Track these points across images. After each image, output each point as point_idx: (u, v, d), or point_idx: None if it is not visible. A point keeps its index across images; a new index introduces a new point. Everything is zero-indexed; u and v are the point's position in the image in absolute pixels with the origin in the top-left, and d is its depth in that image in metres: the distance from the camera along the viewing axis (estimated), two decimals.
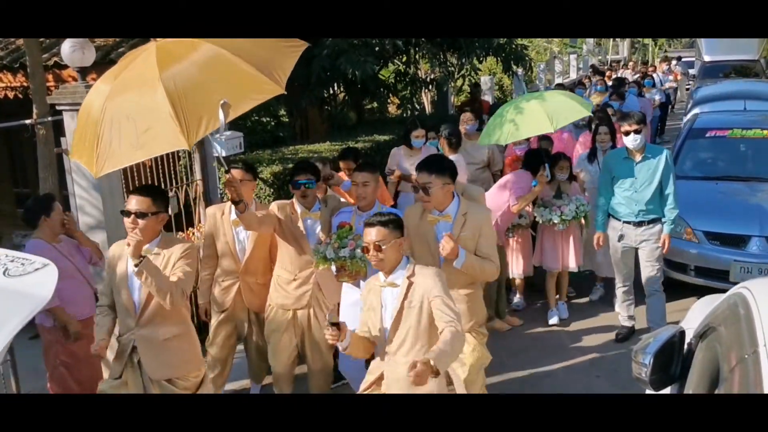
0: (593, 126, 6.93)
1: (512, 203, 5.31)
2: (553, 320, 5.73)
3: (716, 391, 2.04)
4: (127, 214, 3.28)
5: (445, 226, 3.60)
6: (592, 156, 6.07)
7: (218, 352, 4.47)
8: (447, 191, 3.60)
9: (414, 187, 3.48)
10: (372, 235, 3.01)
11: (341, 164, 5.43)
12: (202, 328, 5.03)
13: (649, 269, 5.14)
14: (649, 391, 2.64)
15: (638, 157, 5.00)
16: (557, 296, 5.87)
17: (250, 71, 3.12)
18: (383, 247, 2.99)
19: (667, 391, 2.57)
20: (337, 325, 2.92)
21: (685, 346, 2.61)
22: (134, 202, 3.27)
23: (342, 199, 4.50)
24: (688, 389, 2.41)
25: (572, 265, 5.70)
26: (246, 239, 4.33)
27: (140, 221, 3.25)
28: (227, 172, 3.67)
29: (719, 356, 2.15)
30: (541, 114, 5.19)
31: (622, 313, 5.47)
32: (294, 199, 4.18)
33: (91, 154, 3.08)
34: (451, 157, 5.62)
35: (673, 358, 2.52)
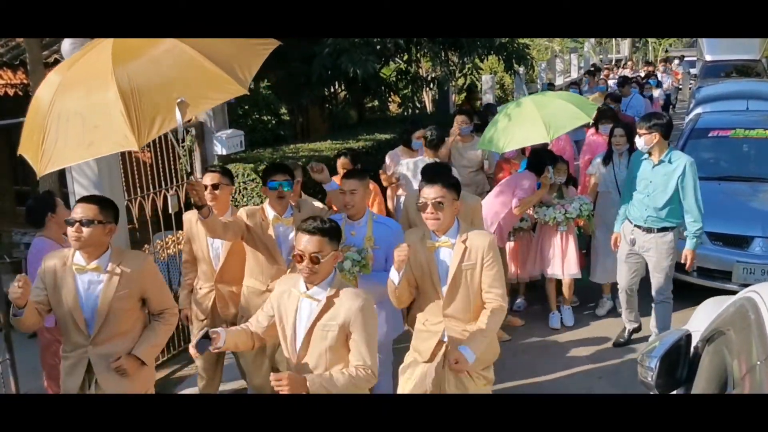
0: (597, 126, 6.88)
1: (515, 205, 5.21)
2: (555, 324, 5.63)
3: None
4: (71, 222, 3.03)
5: (446, 253, 3.23)
6: (607, 159, 5.76)
7: (203, 362, 4.30)
8: (456, 209, 3.24)
9: (422, 205, 3.19)
10: (310, 244, 2.67)
11: (338, 162, 5.29)
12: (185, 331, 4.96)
13: (657, 279, 4.91)
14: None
15: (656, 160, 4.76)
16: (560, 302, 5.72)
17: (211, 69, 2.91)
18: (321, 260, 2.67)
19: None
20: (207, 338, 2.65)
21: (692, 350, 2.59)
22: (79, 210, 3.04)
23: (316, 204, 4.30)
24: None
25: (574, 270, 5.54)
26: (220, 246, 4.12)
27: (84, 230, 3.02)
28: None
29: (727, 361, 2.12)
30: (537, 122, 5.07)
31: (624, 316, 5.32)
32: (265, 205, 4.01)
33: (37, 150, 2.90)
34: (432, 159, 5.52)
35: (679, 361, 2.49)
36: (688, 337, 2.54)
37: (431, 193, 3.15)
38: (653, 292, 4.99)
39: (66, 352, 3.25)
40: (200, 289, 4.23)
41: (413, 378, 3.36)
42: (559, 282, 5.69)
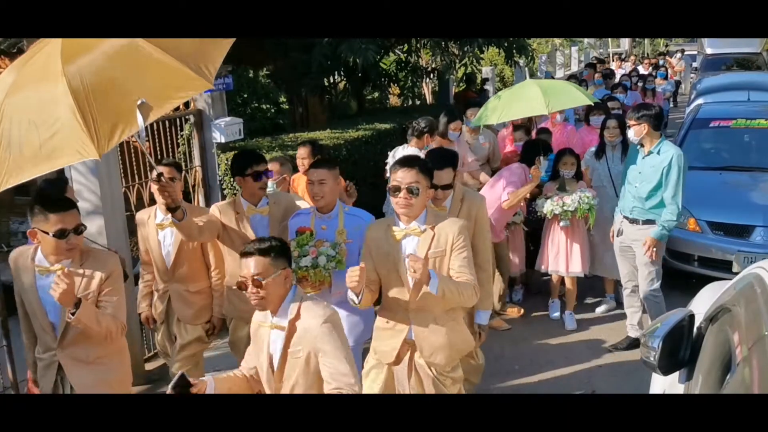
0: (590, 118, 6.75)
1: (503, 199, 5.03)
2: (555, 313, 5.52)
3: (731, 373, 1.99)
4: (64, 234, 2.85)
5: (414, 241, 3.00)
6: (600, 152, 5.60)
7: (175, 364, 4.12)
8: (429, 196, 3.06)
9: (394, 188, 2.98)
10: (250, 267, 2.48)
11: (298, 152, 5.00)
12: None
13: (642, 274, 4.81)
14: (656, 376, 2.59)
15: (646, 151, 4.70)
16: (561, 292, 5.60)
17: (172, 64, 2.68)
18: (264, 282, 2.46)
19: (675, 375, 2.53)
20: (186, 386, 2.42)
21: (694, 331, 2.56)
22: (66, 219, 2.86)
23: (298, 202, 4.10)
24: (698, 373, 2.36)
25: (577, 269, 5.36)
26: (171, 244, 3.92)
27: (78, 238, 2.91)
28: (160, 175, 3.21)
29: (733, 337, 2.10)
30: (538, 96, 4.98)
31: (628, 318, 5.11)
32: (237, 197, 3.82)
33: None
34: (415, 149, 5.38)
35: (682, 341, 2.47)
36: (691, 317, 2.52)
37: (407, 177, 2.92)
38: (641, 290, 4.87)
39: (39, 354, 3.14)
40: (157, 290, 4.10)
41: (378, 382, 3.17)
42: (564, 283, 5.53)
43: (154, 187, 3.63)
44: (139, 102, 2.56)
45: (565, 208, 5.17)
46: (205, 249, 3.99)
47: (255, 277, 2.46)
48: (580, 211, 5.17)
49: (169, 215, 3.71)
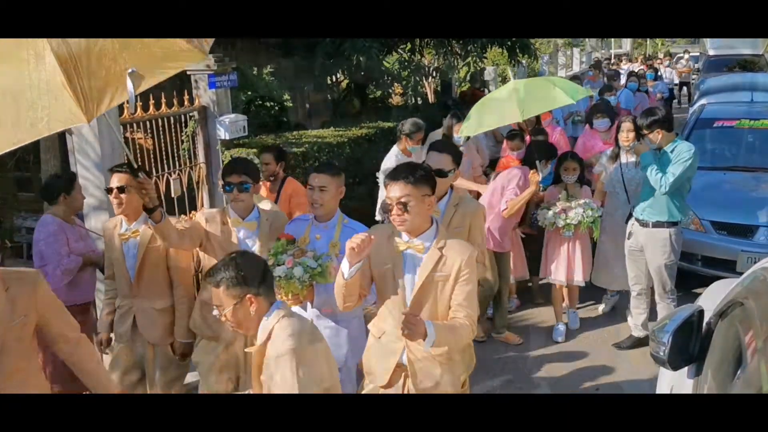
0: (593, 121, 6.56)
1: (502, 207, 4.88)
2: (558, 336, 5.22)
3: (742, 366, 1.99)
4: None
5: (416, 257, 2.78)
6: (614, 155, 5.43)
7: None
8: (429, 207, 2.79)
9: (383, 207, 2.89)
10: (215, 297, 2.42)
11: (262, 157, 4.88)
12: None
13: (654, 278, 4.79)
14: (664, 372, 2.59)
15: (660, 151, 4.65)
16: (566, 304, 5.43)
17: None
18: (226, 311, 2.39)
19: (683, 371, 2.53)
20: None
21: (704, 326, 2.56)
22: None
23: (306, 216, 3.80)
24: (707, 368, 2.37)
25: (578, 278, 5.16)
26: (135, 255, 3.62)
27: None
28: (116, 168, 3.01)
29: (745, 331, 2.10)
30: (511, 103, 4.75)
31: (633, 320, 5.06)
32: (227, 207, 3.57)
33: None
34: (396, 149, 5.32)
35: (691, 337, 2.47)
36: (701, 312, 2.52)
37: (394, 191, 2.75)
38: (656, 292, 4.84)
39: None
40: (119, 308, 3.74)
41: None
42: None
43: (124, 180, 3.41)
44: (129, 71, 2.51)
45: (568, 221, 4.97)
46: (171, 263, 3.69)
47: (218, 307, 2.43)
48: (584, 225, 4.97)
49: (133, 225, 3.63)
